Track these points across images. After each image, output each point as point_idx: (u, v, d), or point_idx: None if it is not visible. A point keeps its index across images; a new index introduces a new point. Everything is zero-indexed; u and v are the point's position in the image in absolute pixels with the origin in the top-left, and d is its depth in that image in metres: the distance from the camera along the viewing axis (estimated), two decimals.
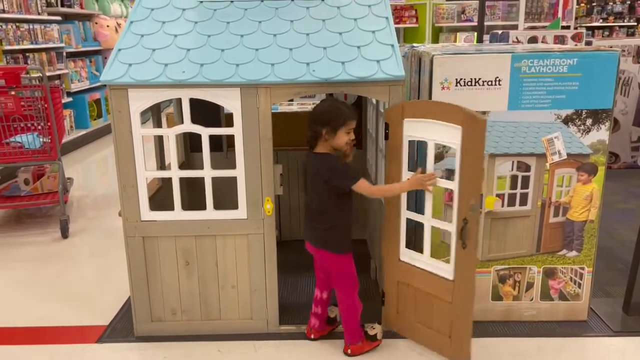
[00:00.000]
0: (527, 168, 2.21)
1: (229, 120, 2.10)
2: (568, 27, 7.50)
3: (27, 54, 5.56)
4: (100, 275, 3.00)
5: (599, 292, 2.58)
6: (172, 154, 2.15)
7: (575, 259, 2.30)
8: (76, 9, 6.67)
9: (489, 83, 2.11)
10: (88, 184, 5.13)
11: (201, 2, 2.36)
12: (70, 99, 6.36)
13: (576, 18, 9.17)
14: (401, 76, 2.01)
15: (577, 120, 2.15)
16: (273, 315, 2.29)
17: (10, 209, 3.96)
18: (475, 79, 2.11)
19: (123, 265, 2.24)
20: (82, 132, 6.43)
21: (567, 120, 2.15)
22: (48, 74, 5.80)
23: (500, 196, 2.24)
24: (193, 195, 2.82)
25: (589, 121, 2.15)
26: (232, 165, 2.13)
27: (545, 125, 2.16)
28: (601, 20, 10.82)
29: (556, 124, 2.15)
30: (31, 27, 5.61)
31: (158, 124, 2.66)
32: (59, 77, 6.23)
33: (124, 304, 2.60)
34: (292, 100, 3.65)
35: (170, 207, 2.18)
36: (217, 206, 2.19)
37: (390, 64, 2.06)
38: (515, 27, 7.31)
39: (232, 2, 2.36)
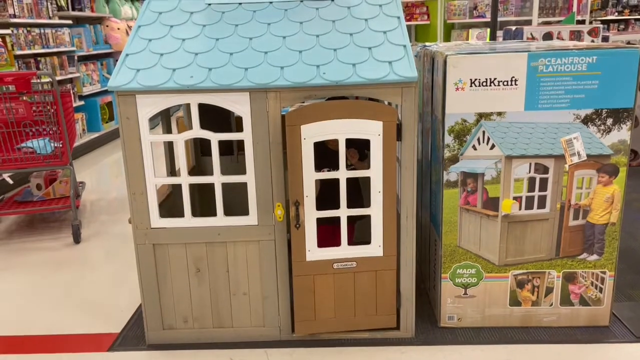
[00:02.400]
0: (545, 170, 2.14)
1: (239, 123, 2.07)
2: (583, 22, 7.38)
3: (39, 59, 5.59)
4: (112, 281, 2.99)
5: (620, 296, 2.50)
6: (181, 161, 2.12)
7: (596, 263, 2.23)
8: (87, 13, 6.70)
9: (505, 83, 2.05)
10: (101, 187, 5.13)
11: (209, 4, 2.32)
12: (82, 103, 6.39)
13: (591, 11, 9.03)
14: (414, 77, 1.96)
15: (597, 120, 2.08)
16: (285, 322, 2.26)
17: (22, 214, 3.97)
18: (490, 79, 2.04)
19: (135, 271, 2.22)
20: (95, 135, 6.46)
21: (586, 120, 2.08)
22: (60, 77, 5.84)
23: (517, 199, 2.17)
24: (204, 200, 2.80)
25: (609, 121, 2.08)
26: (243, 170, 2.09)
27: (563, 126, 2.09)
28: (616, 14, 10.64)
29: (575, 124, 2.09)
30: (42, 31, 5.64)
31: (168, 129, 2.63)
32: (70, 80, 6.25)
33: (135, 311, 2.58)
34: (303, 102, 3.61)
35: (181, 213, 2.15)
36: (230, 211, 2.15)
37: (402, 65, 2.00)
38: (529, 22, 7.20)
39: (240, 4, 2.32)
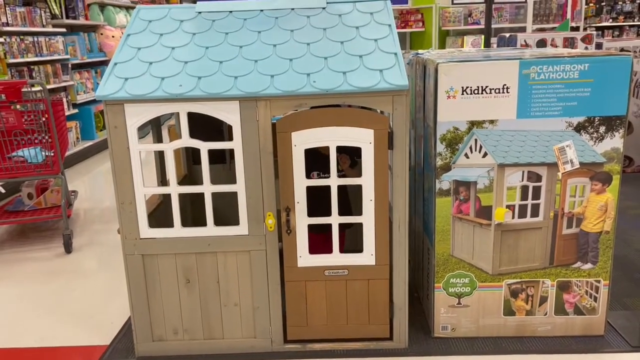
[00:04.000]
0: (538, 178, 2.13)
1: (232, 131, 2.05)
2: (577, 28, 7.40)
3: (32, 67, 5.56)
4: (103, 291, 2.95)
5: (615, 305, 2.48)
6: (170, 170, 2.09)
7: (590, 272, 2.21)
8: (81, 21, 6.68)
9: (497, 91, 2.03)
10: (94, 195, 5.10)
11: (199, 13, 2.31)
12: (76, 111, 6.35)
13: (585, 18, 9.06)
14: (405, 86, 1.94)
15: (589, 128, 2.07)
16: (277, 333, 2.22)
17: (13, 224, 3.93)
18: (482, 87, 2.03)
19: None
20: (89, 143, 6.43)
21: (579, 128, 2.07)
22: (53, 86, 5.81)
23: (510, 207, 2.15)
24: (197, 209, 2.77)
25: (602, 128, 2.06)
26: (235, 179, 2.07)
27: (556, 134, 2.08)
28: (611, 20, 10.69)
29: (568, 132, 2.07)
30: (36, 39, 5.61)
31: (158, 138, 2.60)
32: (64, 88, 6.22)
33: (125, 322, 2.54)
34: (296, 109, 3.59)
35: (172, 223, 2.12)
36: (223, 220, 2.13)
37: (393, 74, 1.99)
38: (523, 29, 7.22)
39: (230, 12, 2.31)
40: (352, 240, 2.53)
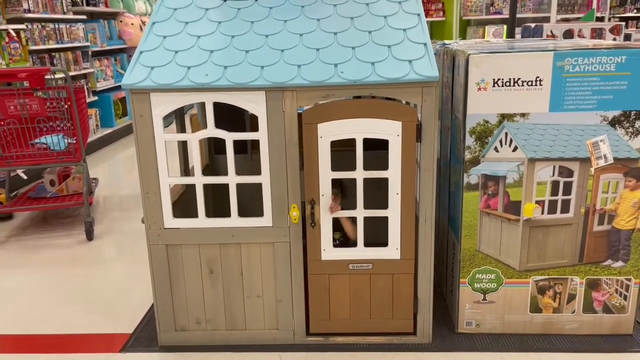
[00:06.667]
0: (570, 173, 2.07)
1: (254, 122, 2.03)
2: (602, 19, 7.24)
3: (53, 54, 5.58)
4: (124, 279, 2.96)
5: None
6: (195, 160, 2.07)
7: (621, 270, 2.16)
8: (101, 8, 6.68)
9: (529, 83, 1.98)
10: (114, 182, 5.12)
11: (225, 1, 2.28)
12: (95, 98, 6.38)
13: (609, 8, 8.83)
14: (435, 77, 1.90)
15: (625, 122, 2.00)
16: (300, 326, 2.21)
17: (36, 210, 3.96)
18: (514, 79, 1.98)
19: (148, 269, 2.18)
20: (108, 130, 6.46)
21: (614, 122, 2.01)
22: (74, 73, 5.83)
23: (540, 203, 2.11)
24: (218, 200, 2.76)
25: (638, 123, 2.00)
26: (257, 169, 2.05)
27: (589, 128, 2.02)
28: (635, 11, 10.43)
29: (602, 126, 2.01)
30: (57, 26, 5.63)
31: (182, 127, 2.59)
32: (84, 76, 6.25)
33: (147, 311, 2.55)
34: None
35: (195, 213, 2.11)
36: (245, 211, 2.11)
37: (423, 64, 1.94)
38: (546, 19, 7.07)
39: (256, 0, 2.27)
40: (375, 233, 2.50)
